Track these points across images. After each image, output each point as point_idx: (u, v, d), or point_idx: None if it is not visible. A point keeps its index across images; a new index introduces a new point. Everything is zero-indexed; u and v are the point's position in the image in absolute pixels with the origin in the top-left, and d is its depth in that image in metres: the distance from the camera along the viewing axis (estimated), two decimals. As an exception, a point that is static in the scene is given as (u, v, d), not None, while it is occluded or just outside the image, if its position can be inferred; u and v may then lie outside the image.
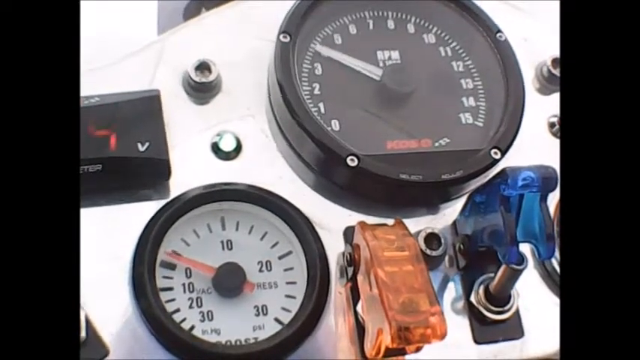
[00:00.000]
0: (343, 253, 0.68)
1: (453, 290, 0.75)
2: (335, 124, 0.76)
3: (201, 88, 0.78)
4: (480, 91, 0.81)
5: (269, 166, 0.77)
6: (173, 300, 0.70)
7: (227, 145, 0.76)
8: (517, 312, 0.73)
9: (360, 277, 0.64)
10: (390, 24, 0.83)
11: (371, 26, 0.83)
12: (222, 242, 0.73)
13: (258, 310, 0.71)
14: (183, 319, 0.69)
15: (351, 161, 0.72)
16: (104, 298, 0.69)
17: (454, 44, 0.83)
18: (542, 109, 0.84)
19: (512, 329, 0.73)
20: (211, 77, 0.78)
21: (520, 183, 0.64)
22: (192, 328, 0.69)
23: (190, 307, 0.70)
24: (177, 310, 0.70)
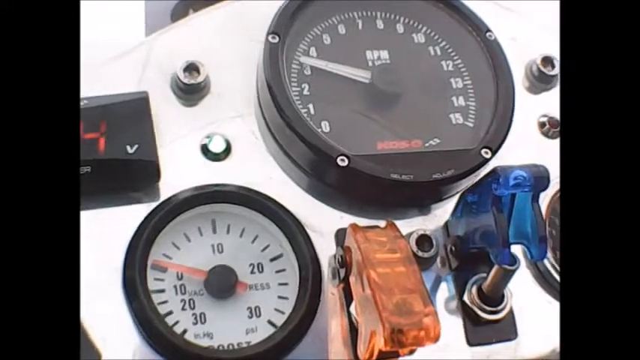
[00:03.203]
0: (335, 256, 0.68)
1: (445, 290, 0.75)
2: (325, 126, 0.75)
3: (190, 90, 0.78)
4: (470, 91, 0.80)
5: (259, 168, 0.77)
6: (165, 302, 0.70)
7: (216, 146, 0.76)
8: (511, 312, 0.73)
9: (352, 279, 0.64)
10: (379, 24, 0.83)
11: (360, 26, 0.82)
12: (212, 246, 0.73)
13: (251, 311, 0.71)
14: (176, 322, 0.69)
15: (342, 161, 0.72)
16: (96, 302, 0.68)
17: (443, 44, 0.83)
18: (532, 108, 0.84)
19: (506, 330, 0.73)
20: (200, 78, 0.78)
21: (512, 182, 0.64)
22: (185, 331, 0.69)
23: (183, 309, 0.70)
24: (170, 313, 0.70)
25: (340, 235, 0.72)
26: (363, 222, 0.67)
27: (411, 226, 0.75)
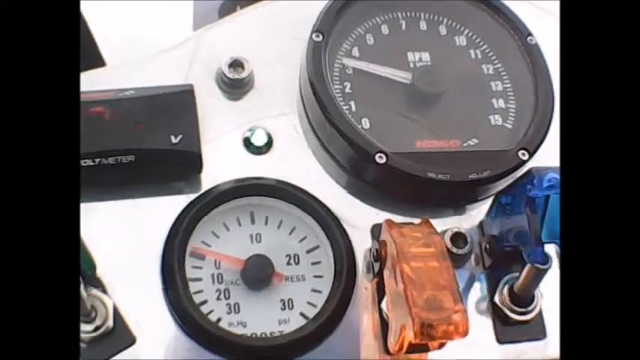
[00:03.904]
0: (370, 250, 0.69)
1: (477, 290, 0.75)
2: (365, 123, 0.76)
3: (234, 85, 0.79)
4: (510, 94, 0.81)
5: (299, 162, 0.78)
6: (201, 291, 0.71)
7: (258, 140, 0.77)
8: (540, 313, 0.74)
9: (386, 272, 0.64)
10: (422, 25, 0.84)
11: (403, 27, 0.83)
12: (251, 236, 0.74)
13: (284, 303, 0.72)
14: (211, 311, 0.70)
15: (380, 158, 0.73)
16: (133, 288, 0.70)
17: (485, 47, 0.83)
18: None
19: (535, 330, 0.74)
20: (244, 74, 0.79)
21: (545, 184, 0.64)
22: (219, 320, 0.70)
23: (218, 298, 0.71)
24: (205, 302, 0.71)
25: (376, 231, 0.73)
26: (398, 219, 0.68)
27: (445, 224, 0.76)
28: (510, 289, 0.73)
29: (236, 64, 0.80)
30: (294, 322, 0.71)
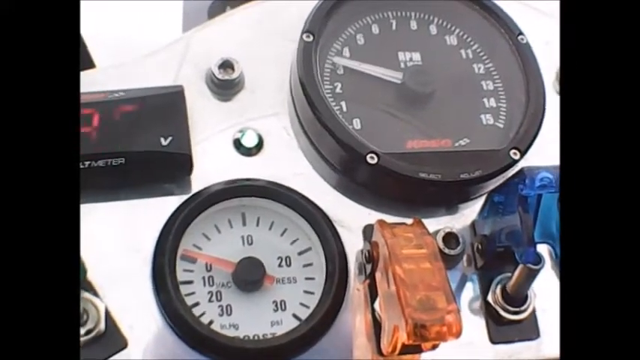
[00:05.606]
0: (362, 251, 0.69)
1: (470, 289, 0.75)
2: (356, 123, 0.76)
3: (224, 85, 0.79)
4: (501, 93, 0.81)
5: (290, 164, 0.78)
6: (193, 293, 0.71)
7: (249, 141, 0.77)
8: (533, 312, 0.74)
9: (378, 274, 0.64)
10: (413, 24, 0.84)
11: (394, 27, 0.83)
12: (242, 237, 0.74)
13: (276, 305, 0.72)
14: (203, 313, 0.70)
15: (371, 159, 0.73)
16: (125, 291, 0.70)
17: (475, 46, 0.83)
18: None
19: (529, 329, 0.74)
20: (234, 75, 0.79)
21: (538, 183, 0.65)
22: (211, 322, 0.70)
23: (210, 300, 0.71)
24: (197, 304, 0.70)
25: (368, 231, 0.73)
26: (390, 219, 0.68)
27: (438, 224, 0.76)
28: (503, 289, 0.73)
29: (226, 65, 0.79)
30: (286, 324, 0.71)
